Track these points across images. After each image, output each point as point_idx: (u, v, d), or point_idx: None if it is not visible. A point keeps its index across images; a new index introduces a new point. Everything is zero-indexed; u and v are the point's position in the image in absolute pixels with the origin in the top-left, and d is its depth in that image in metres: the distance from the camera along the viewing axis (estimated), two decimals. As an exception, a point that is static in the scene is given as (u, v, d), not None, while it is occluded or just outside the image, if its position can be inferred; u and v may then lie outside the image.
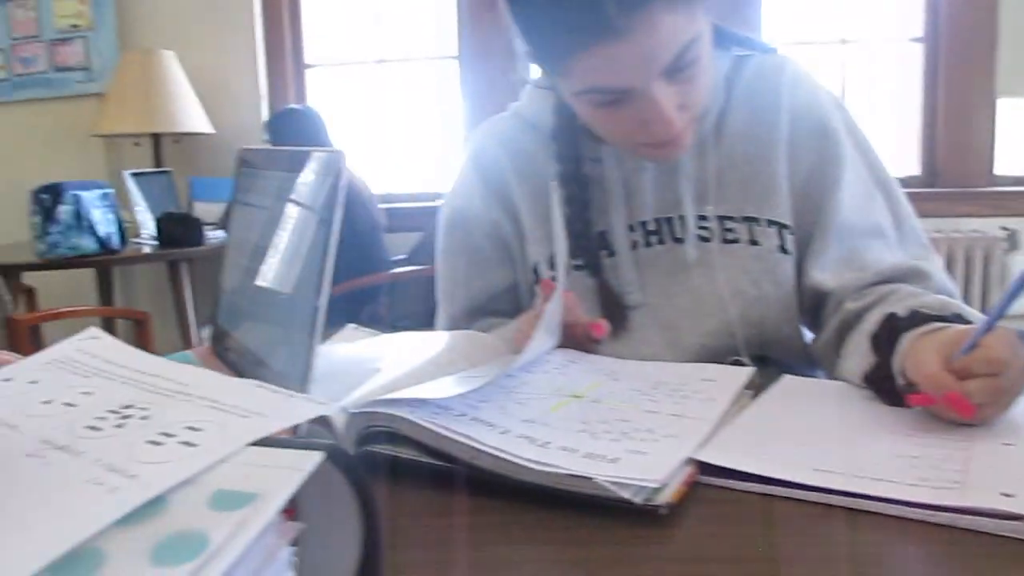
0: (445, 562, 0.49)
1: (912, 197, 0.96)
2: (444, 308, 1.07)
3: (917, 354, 0.66)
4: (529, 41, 0.82)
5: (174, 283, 2.75)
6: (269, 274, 0.68)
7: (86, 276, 3.21)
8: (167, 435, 0.39)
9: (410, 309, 2.73)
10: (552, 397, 0.68)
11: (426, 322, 2.63)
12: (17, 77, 3.58)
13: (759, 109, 0.94)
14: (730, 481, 0.57)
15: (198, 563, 0.31)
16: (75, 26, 3.52)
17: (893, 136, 3.47)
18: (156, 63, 3.22)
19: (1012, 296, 0.60)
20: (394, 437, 0.60)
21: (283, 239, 0.65)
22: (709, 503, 0.55)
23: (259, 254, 0.72)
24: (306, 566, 0.38)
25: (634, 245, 0.95)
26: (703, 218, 0.94)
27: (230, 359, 0.76)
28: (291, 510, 0.36)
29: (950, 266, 3.02)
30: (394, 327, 2.71)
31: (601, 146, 0.95)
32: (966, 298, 3.07)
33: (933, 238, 2.96)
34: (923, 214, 0.96)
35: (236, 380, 0.47)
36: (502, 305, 1.04)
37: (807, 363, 0.96)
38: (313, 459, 0.36)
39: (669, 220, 0.94)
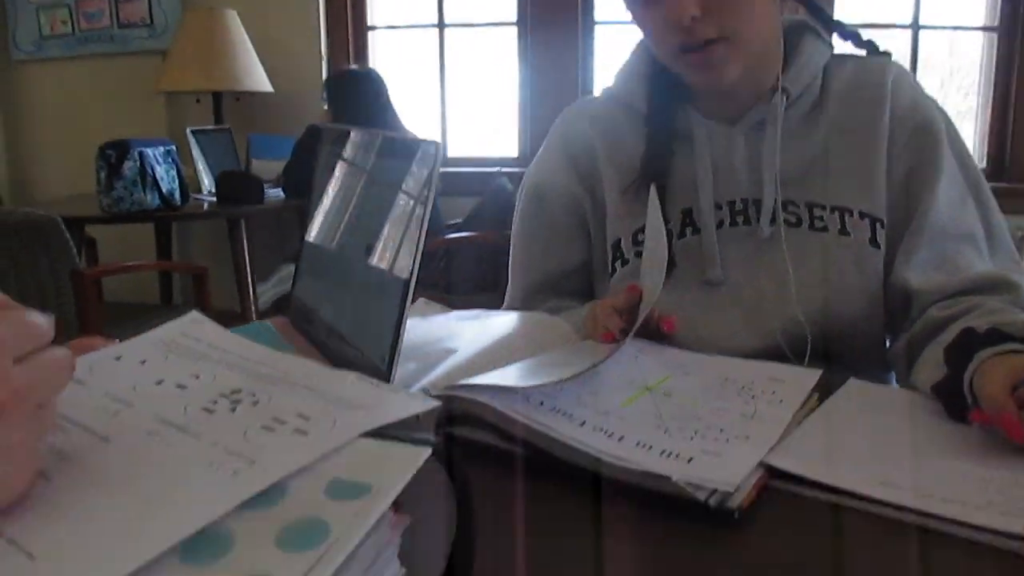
0: (515, 549, 0.51)
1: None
2: (515, 281, 1.09)
3: (985, 374, 0.66)
4: None
5: (232, 239, 2.81)
6: (356, 255, 0.70)
7: (146, 229, 3.29)
8: (279, 421, 0.42)
9: (464, 275, 2.75)
10: (625, 389, 0.70)
11: (479, 288, 2.67)
12: (81, 32, 3.64)
13: (861, 103, 0.96)
14: (800, 487, 0.58)
15: (320, 551, 0.33)
16: (139, -18, 3.57)
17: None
18: (218, 21, 3.26)
19: None
20: (472, 420, 0.62)
21: (374, 222, 0.67)
22: (778, 509, 0.56)
23: (345, 232, 0.74)
24: (404, 554, 0.40)
25: (720, 224, 0.96)
26: (794, 204, 0.95)
27: (311, 333, 0.79)
28: (398, 502, 0.38)
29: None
30: (448, 292, 2.76)
31: (692, 125, 0.97)
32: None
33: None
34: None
35: (334, 371, 0.49)
36: (573, 283, 1.06)
37: (881, 366, 0.96)
38: (423, 454, 0.38)
39: (757, 202, 0.96)
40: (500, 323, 0.85)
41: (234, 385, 0.47)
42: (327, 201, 0.79)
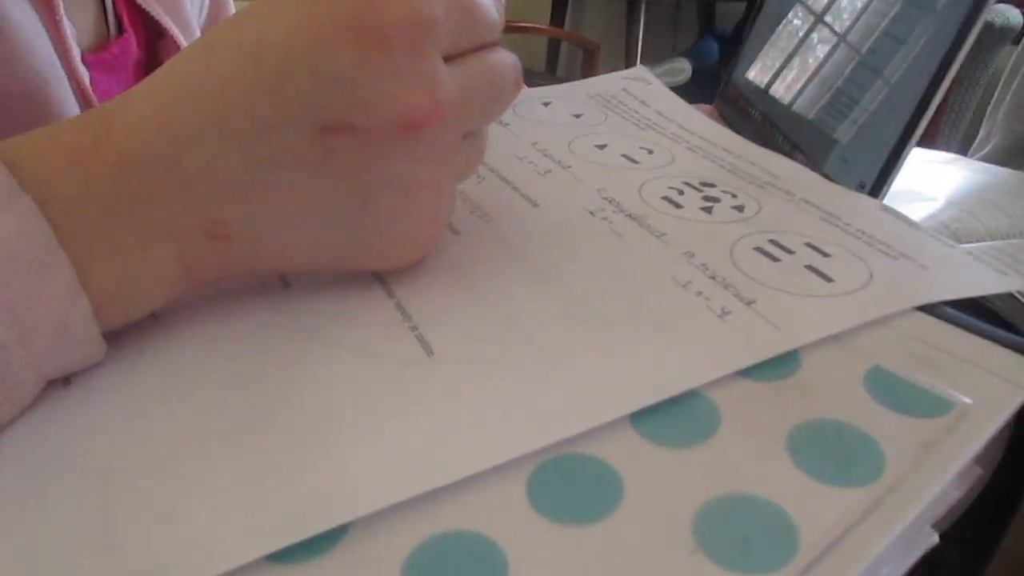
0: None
1: None
2: (1005, 125, 0.82)
3: None
4: None
5: (629, 19, 2.66)
6: (844, 41, 0.52)
7: (544, -6, 3.25)
8: (782, 248, 0.28)
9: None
10: None
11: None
12: None
13: None
14: None
15: (867, 492, 0.19)
16: None
17: None
18: None
19: None
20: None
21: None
22: None
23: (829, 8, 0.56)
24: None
25: None
26: None
27: (746, 132, 0.63)
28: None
29: None
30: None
31: None
32: None
33: None
34: None
35: (847, 190, 0.33)
36: None
37: None
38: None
39: None
40: (993, 177, 0.63)
41: (704, 176, 0.34)
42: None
